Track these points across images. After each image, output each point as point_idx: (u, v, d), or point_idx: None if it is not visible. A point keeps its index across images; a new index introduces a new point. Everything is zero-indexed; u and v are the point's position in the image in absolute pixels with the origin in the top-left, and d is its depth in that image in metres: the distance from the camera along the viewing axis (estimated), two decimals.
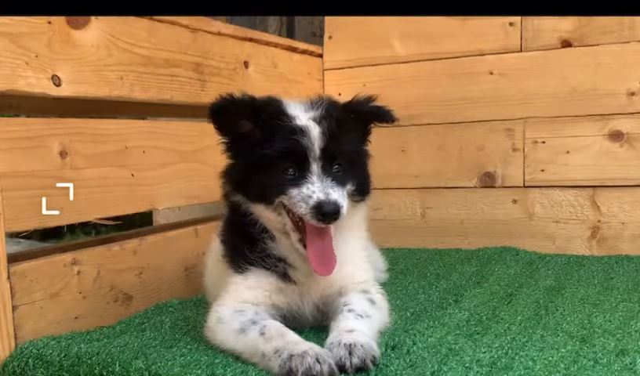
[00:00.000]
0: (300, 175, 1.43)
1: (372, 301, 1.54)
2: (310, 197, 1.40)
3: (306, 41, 3.04)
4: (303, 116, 1.48)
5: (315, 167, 1.43)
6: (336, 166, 1.46)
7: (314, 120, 1.46)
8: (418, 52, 2.88)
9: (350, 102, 1.57)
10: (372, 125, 1.61)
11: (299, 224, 1.46)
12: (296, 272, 1.54)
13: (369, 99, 1.56)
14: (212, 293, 1.73)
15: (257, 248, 1.54)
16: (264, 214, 1.51)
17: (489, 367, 1.30)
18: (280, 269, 1.53)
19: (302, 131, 1.43)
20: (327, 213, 1.38)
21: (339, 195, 1.41)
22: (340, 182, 1.45)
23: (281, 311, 1.53)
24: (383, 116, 1.56)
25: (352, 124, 1.54)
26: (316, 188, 1.41)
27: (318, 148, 1.43)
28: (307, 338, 1.37)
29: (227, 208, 1.63)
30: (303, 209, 1.40)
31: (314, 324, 1.57)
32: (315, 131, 1.44)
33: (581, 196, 2.62)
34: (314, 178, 1.42)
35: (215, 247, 1.75)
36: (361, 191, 1.54)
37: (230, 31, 2.42)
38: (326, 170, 1.44)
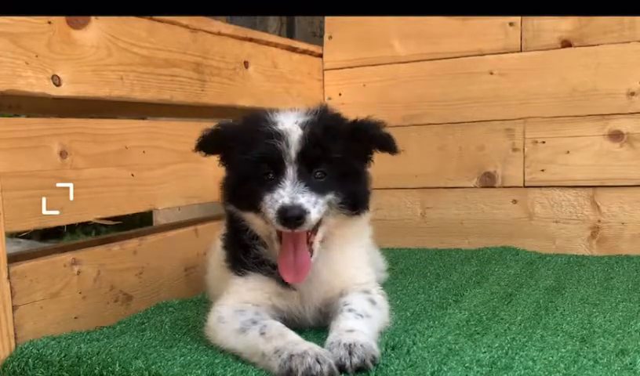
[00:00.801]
0: (276, 180, 1.42)
1: (372, 302, 1.54)
2: (277, 201, 1.38)
3: (306, 41, 3.03)
4: (287, 121, 1.46)
5: (291, 171, 1.41)
6: (319, 172, 1.43)
7: (301, 124, 1.45)
8: (418, 52, 2.88)
9: (360, 122, 1.54)
10: (375, 151, 1.58)
11: (280, 232, 1.46)
12: None
13: (379, 124, 1.54)
14: (213, 292, 1.74)
15: (252, 255, 1.55)
16: (254, 221, 1.52)
17: (489, 367, 1.30)
18: (277, 274, 1.52)
19: (279, 135, 1.42)
20: (289, 218, 1.36)
21: (307, 200, 1.38)
22: (319, 189, 1.42)
23: (282, 313, 1.53)
24: (388, 146, 1.55)
25: (351, 139, 1.51)
26: (285, 193, 1.38)
27: (294, 151, 1.41)
28: (307, 338, 1.37)
29: (225, 215, 1.65)
30: (270, 214, 1.39)
31: (315, 326, 1.57)
32: (295, 135, 1.42)
33: (581, 196, 2.62)
34: (288, 182, 1.40)
35: (217, 249, 1.76)
36: (352, 205, 1.50)
37: (230, 31, 2.42)
38: (303, 175, 1.41)
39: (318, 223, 1.45)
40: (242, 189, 1.49)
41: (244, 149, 1.47)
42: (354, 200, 1.50)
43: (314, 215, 1.38)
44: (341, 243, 1.56)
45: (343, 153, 1.47)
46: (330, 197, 1.45)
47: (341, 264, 1.55)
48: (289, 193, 1.38)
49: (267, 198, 1.41)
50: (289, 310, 1.55)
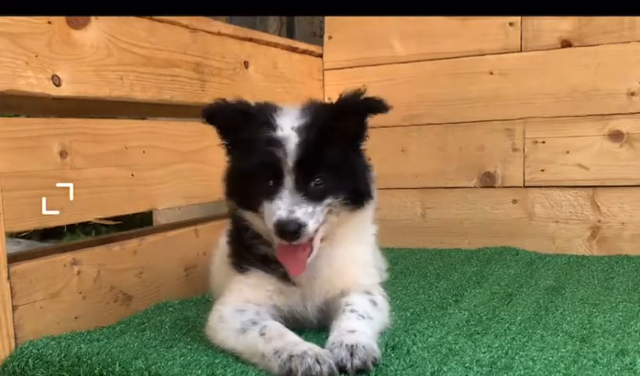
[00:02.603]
0: (275, 188, 1.40)
1: (374, 303, 1.54)
2: (274, 213, 1.37)
3: (306, 41, 3.03)
4: (287, 125, 1.44)
5: (289, 180, 1.39)
6: (318, 179, 1.41)
7: (297, 129, 1.42)
8: (418, 52, 2.88)
9: (339, 101, 1.50)
10: (368, 118, 1.53)
11: None
12: None
13: (358, 92, 1.48)
14: (217, 292, 1.73)
15: (253, 251, 1.55)
16: (254, 220, 1.52)
17: (489, 367, 1.30)
18: (280, 272, 1.53)
19: (278, 143, 1.40)
20: (286, 232, 1.36)
21: (304, 212, 1.37)
22: (317, 196, 1.40)
23: (283, 313, 1.53)
24: (377, 106, 1.47)
25: (343, 127, 1.47)
26: (282, 204, 1.37)
27: (291, 161, 1.39)
28: (307, 339, 1.37)
29: (229, 210, 1.64)
30: (269, 224, 1.39)
31: (317, 326, 1.56)
32: (292, 143, 1.40)
33: (581, 196, 2.62)
34: (286, 192, 1.39)
35: (222, 246, 1.75)
36: (354, 200, 1.48)
37: (230, 31, 2.42)
38: (300, 184, 1.39)
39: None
40: (243, 189, 1.49)
41: (246, 149, 1.46)
42: (356, 196, 1.49)
43: (311, 226, 1.38)
44: (343, 240, 1.55)
45: (340, 156, 1.45)
46: (329, 201, 1.43)
47: (343, 262, 1.55)
48: (286, 205, 1.37)
49: (267, 206, 1.41)
50: (290, 309, 1.54)
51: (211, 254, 1.92)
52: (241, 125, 1.49)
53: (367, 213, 1.58)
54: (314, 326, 1.56)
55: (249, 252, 1.55)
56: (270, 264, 1.53)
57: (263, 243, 1.54)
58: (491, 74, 2.74)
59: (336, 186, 1.43)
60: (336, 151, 1.45)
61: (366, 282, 1.60)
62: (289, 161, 1.39)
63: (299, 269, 1.45)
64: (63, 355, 1.45)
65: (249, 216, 1.53)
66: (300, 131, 1.42)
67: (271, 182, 1.41)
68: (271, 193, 1.40)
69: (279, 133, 1.43)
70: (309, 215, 1.38)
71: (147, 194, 2.06)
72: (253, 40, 2.55)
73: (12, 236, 3.66)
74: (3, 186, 1.57)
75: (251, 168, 1.44)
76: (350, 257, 1.58)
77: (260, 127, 1.45)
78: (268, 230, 1.41)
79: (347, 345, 1.30)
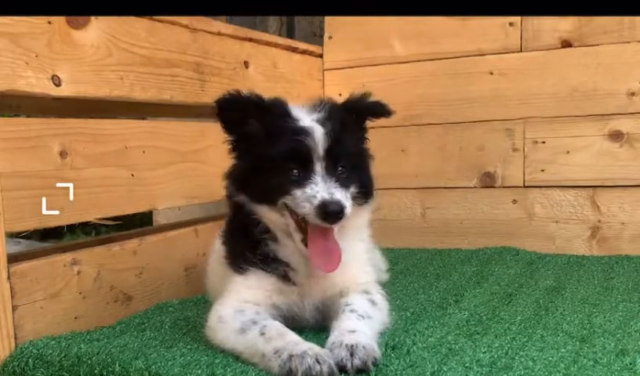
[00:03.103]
0: (304, 175, 1.43)
1: (373, 302, 1.54)
2: (314, 196, 1.40)
3: (306, 41, 3.04)
4: (306, 118, 1.48)
5: (319, 167, 1.43)
6: (340, 168, 1.46)
7: (318, 121, 1.47)
8: (418, 52, 2.88)
9: (348, 101, 1.58)
10: (369, 121, 1.62)
11: (302, 224, 1.46)
12: (296, 274, 1.54)
13: (365, 95, 1.58)
14: (214, 294, 1.73)
15: (258, 250, 1.54)
16: (268, 215, 1.51)
17: (489, 367, 1.30)
18: (280, 271, 1.53)
19: (306, 132, 1.43)
20: (331, 212, 1.38)
21: (342, 195, 1.41)
22: (344, 183, 1.45)
23: (282, 311, 1.53)
24: (381, 111, 1.58)
25: (354, 124, 1.55)
26: (320, 188, 1.41)
27: (322, 149, 1.43)
28: (307, 338, 1.37)
29: (230, 209, 1.63)
30: (306, 209, 1.40)
31: (315, 325, 1.57)
32: (319, 132, 1.43)
33: (581, 196, 2.62)
34: (318, 178, 1.42)
35: (217, 248, 1.75)
36: (365, 193, 1.54)
37: (230, 31, 2.42)
38: (330, 171, 1.44)
39: None
40: (259, 181, 1.48)
41: (267, 140, 1.47)
42: (367, 189, 1.55)
43: (349, 209, 1.42)
44: (346, 238, 1.55)
45: (356, 146, 1.54)
46: (352, 189, 1.49)
47: (344, 260, 1.55)
48: (323, 188, 1.41)
49: (298, 193, 1.42)
50: (288, 307, 1.55)
51: (207, 256, 1.92)
52: (254, 117, 1.50)
53: (368, 211, 1.62)
54: (311, 325, 1.57)
55: (252, 251, 1.54)
56: (270, 263, 1.53)
57: (272, 238, 1.54)
58: (491, 74, 2.75)
59: (354, 176, 1.50)
60: (353, 143, 1.53)
61: (364, 280, 1.61)
62: (320, 149, 1.43)
63: (334, 264, 1.46)
64: (63, 355, 1.46)
65: (262, 210, 1.52)
66: (321, 122, 1.46)
67: (296, 171, 1.44)
68: (301, 180, 1.43)
69: (303, 123, 1.46)
70: (346, 198, 1.42)
71: (147, 194, 2.06)
72: (253, 40, 2.55)
73: (12, 236, 3.66)
74: (3, 186, 1.57)
75: (277, 157, 1.44)
76: (351, 255, 1.58)
77: (279, 118, 1.47)
78: (305, 214, 1.41)
79: (347, 345, 1.30)
